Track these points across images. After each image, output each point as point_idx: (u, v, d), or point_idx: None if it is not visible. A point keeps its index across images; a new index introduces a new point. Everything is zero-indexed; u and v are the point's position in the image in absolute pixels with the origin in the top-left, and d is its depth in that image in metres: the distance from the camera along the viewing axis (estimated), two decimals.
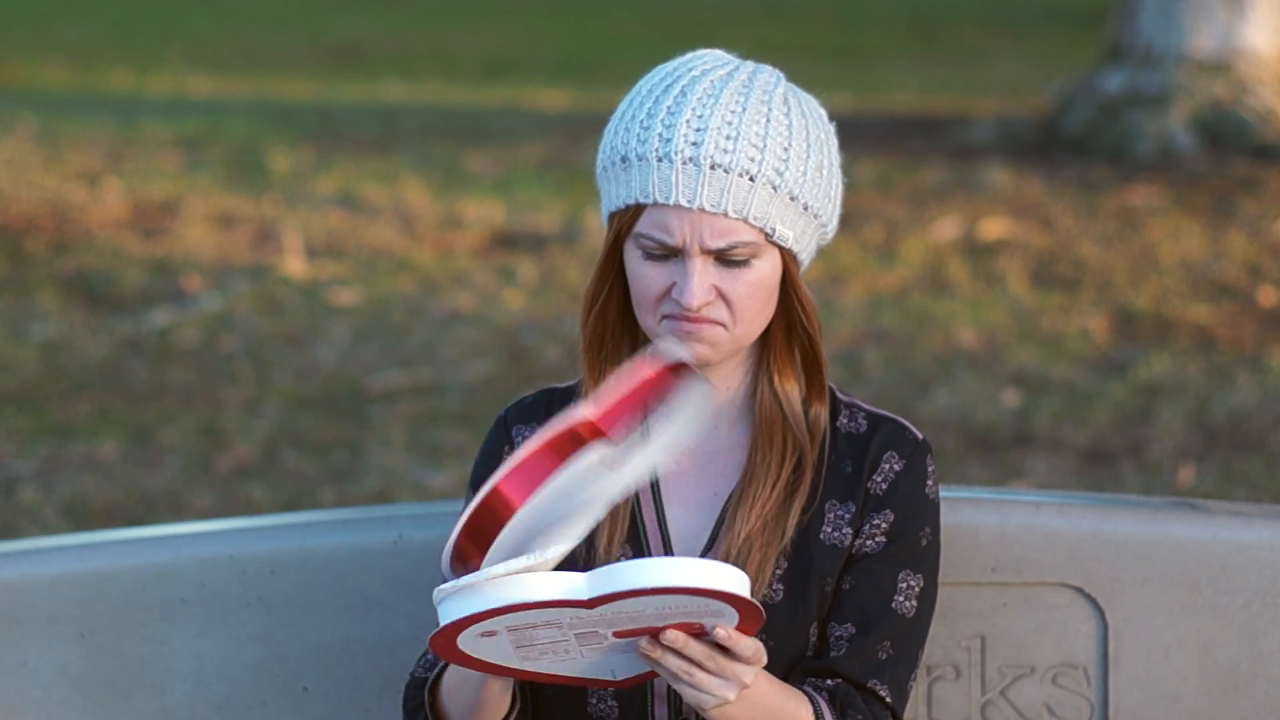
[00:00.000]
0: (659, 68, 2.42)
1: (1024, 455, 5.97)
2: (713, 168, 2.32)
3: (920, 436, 2.47)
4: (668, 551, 2.42)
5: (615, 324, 2.44)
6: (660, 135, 2.33)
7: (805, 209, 2.37)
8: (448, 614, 2.16)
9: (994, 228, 8.44)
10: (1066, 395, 6.50)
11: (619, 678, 2.27)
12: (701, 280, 2.34)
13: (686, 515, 2.44)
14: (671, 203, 2.33)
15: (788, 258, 2.38)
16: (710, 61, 2.41)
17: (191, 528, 2.82)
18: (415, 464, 5.91)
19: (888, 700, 2.40)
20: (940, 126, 10.53)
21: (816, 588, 2.40)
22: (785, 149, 2.35)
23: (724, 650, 2.20)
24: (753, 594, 2.29)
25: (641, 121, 2.35)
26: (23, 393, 6.63)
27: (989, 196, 8.95)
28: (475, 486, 2.47)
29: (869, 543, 2.42)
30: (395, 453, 6.00)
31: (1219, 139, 9.58)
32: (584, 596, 2.12)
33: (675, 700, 2.42)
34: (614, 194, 2.38)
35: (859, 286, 7.66)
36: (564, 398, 2.52)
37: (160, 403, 6.52)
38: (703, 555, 2.41)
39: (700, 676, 2.20)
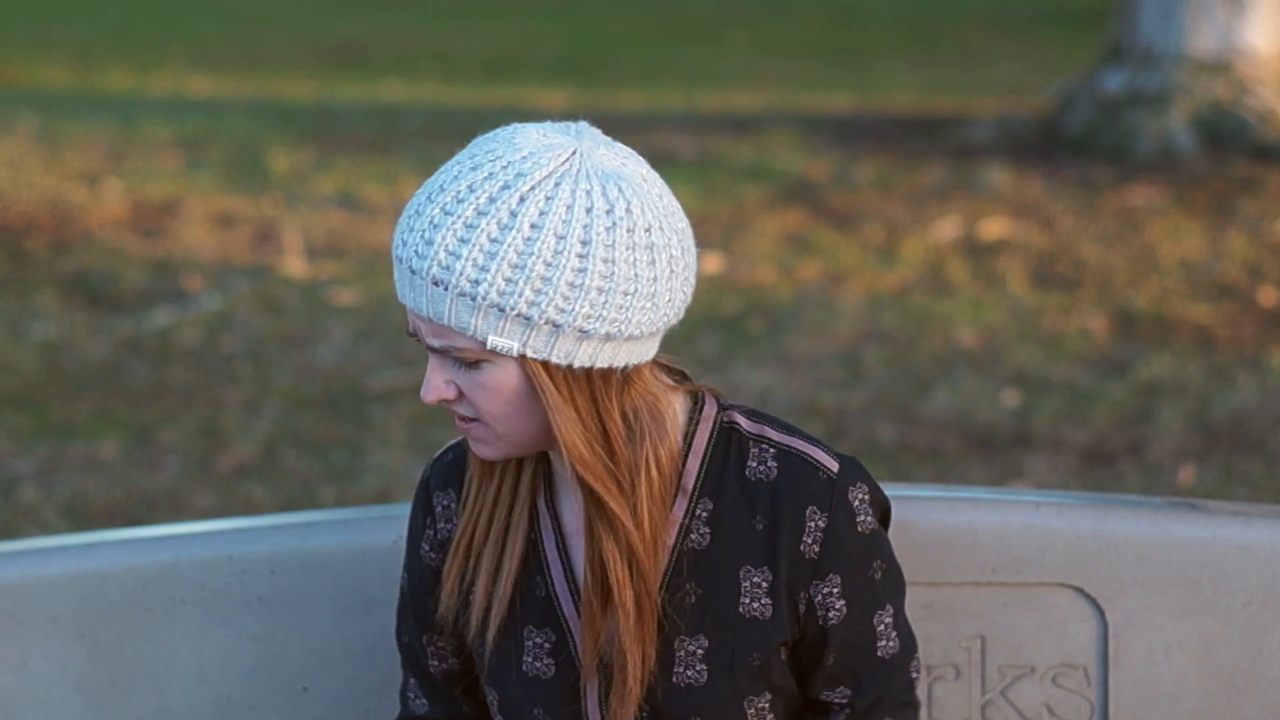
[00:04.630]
0: (470, 149, 2.29)
1: (1024, 455, 5.97)
2: (412, 272, 2.24)
3: (834, 470, 2.33)
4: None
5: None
6: (401, 237, 2.26)
7: (528, 321, 2.21)
8: None
9: (994, 228, 8.43)
10: (1066, 395, 6.50)
11: None
12: (434, 375, 2.28)
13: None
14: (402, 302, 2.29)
15: (532, 365, 2.24)
16: (507, 154, 2.24)
17: (191, 528, 2.82)
18: (415, 464, 5.90)
19: (908, 701, 2.41)
20: (940, 126, 10.53)
21: (744, 665, 2.34)
22: (514, 265, 2.20)
23: None
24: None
25: (407, 214, 2.28)
26: (23, 393, 6.63)
27: (989, 196, 8.95)
28: (411, 548, 2.46)
29: (830, 614, 2.34)
30: (395, 453, 6.00)
31: (1219, 139, 9.58)
32: None
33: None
34: None
35: (859, 286, 7.66)
36: None
37: (160, 403, 6.51)
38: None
39: None
